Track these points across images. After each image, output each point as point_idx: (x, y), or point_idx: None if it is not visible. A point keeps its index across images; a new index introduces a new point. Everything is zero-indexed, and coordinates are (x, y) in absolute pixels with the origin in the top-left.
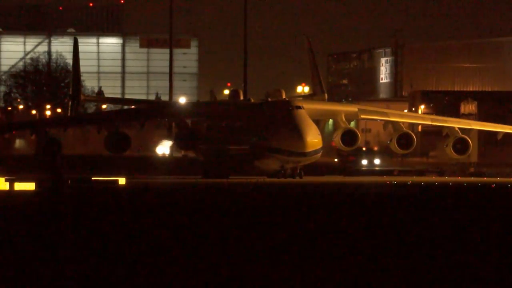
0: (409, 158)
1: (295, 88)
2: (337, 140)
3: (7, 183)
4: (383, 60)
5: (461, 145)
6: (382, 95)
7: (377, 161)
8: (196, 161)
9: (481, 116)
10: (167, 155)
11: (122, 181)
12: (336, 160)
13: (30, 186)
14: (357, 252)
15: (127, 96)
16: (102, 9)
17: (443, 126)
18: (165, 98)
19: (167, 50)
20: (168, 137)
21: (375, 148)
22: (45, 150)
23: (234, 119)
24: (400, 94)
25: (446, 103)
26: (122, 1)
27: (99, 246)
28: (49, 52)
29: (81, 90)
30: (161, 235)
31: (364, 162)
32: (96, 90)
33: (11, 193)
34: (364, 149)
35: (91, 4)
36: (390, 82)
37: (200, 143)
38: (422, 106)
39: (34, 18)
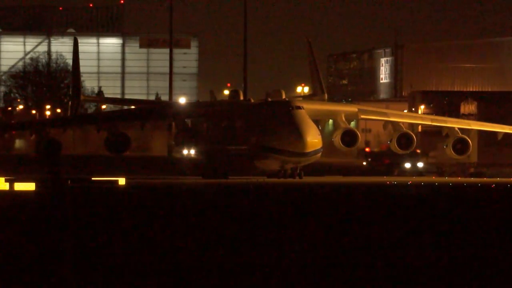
0: None
1: (295, 88)
2: (337, 140)
3: (7, 183)
4: (383, 60)
5: (461, 145)
6: (382, 95)
7: (420, 164)
8: (196, 161)
9: (481, 116)
10: (192, 155)
11: (122, 181)
12: (364, 163)
13: (30, 186)
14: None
15: (127, 96)
16: (102, 9)
17: (443, 126)
18: (165, 98)
19: (167, 50)
20: (168, 137)
21: (418, 151)
22: (45, 150)
23: (234, 119)
24: (400, 94)
25: (446, 103)
26: (122, 1)
27: (98, 246)
28: (49, 52)
29: (81, 90)
30: (160, 235)
31: (408, 165)
32: (96, 90)
33: (11, 193)
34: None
35: (91, 4)
36: (390, 82)
37: (200, 143)
38: (422, 106)
39: (34, 18)
